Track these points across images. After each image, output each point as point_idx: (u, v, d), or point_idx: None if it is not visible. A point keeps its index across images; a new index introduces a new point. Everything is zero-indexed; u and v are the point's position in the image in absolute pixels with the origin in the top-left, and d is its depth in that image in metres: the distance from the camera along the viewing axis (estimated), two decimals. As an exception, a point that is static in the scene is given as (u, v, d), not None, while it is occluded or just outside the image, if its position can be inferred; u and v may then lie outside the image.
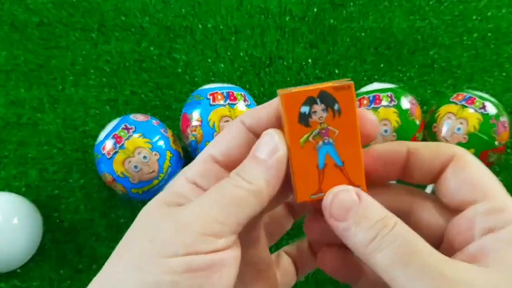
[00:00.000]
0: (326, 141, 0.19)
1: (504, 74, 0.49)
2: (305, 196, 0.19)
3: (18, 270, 0.41)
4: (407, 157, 0.20)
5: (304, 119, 0.18)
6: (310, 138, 0.19)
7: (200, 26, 0.50)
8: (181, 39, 0.50)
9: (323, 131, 0.18)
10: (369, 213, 0.18)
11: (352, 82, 0.18)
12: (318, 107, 0.18)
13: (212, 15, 0.51)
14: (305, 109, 0.18)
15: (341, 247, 0.20)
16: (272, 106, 0.20)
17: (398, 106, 0.40)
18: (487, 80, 0.49)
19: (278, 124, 0.19)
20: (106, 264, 0.18)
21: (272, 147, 0.18)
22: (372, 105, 0.41)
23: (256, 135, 0.19)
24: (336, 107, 0.18)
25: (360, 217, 0.18)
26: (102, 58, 0.49)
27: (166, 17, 0.51)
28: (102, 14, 0.50)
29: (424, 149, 0.20)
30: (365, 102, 0.41)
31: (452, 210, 0.19)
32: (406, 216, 0.20)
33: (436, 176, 0.20)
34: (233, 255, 0.18)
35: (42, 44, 0.49)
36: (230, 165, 0.19)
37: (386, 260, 0.17)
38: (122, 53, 0.49)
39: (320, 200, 0.19)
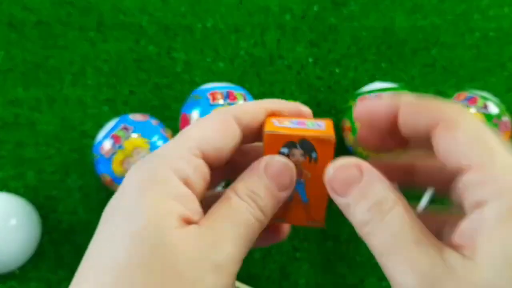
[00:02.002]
0: (297, 180, 0.20)
1: (506, 73, 0.49)
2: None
3: (16, 271, 0.41)
4: (395, 116, 0.19)
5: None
6: None
7: (199, 25, 0.50)
8: (180, 38, 0.49)
9: (297, 171, 0.20)
10: (369, 193, 0.18)
11: (333, 138, 0.19)
12: (297, 152, 0.20)
13: (211, 14, 0.50)
14: (284, 150, 0.20)
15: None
16: (266, 108, 0.20)
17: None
18: (489, 80, 0.49)
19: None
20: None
21: (289, 183, 0.19)
22: (374, 105, 0.40)
23: (247, 134, 0.20)
24: (314, 155, 0.20)
25: (360, 196, 0.18)
26: (101, 58, 0.48)
27: (165, 16, 0.50)
28: (100, 13, 0.50)
29: (411, 107, 0.19)
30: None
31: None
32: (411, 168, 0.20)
33: (425, 136, 0.19)
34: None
35: (40, 43, 0.49)
36: (215, 162, 0.19)
37: (378, 246, 0.17)
38: (121, 53, 0.49)
39: (279, 225, 0.22)
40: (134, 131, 0.38)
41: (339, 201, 0.18)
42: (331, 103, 0.47)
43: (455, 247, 0.16)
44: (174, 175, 0.17)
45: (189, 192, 0.18)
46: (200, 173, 0.18)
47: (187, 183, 0.18)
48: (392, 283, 0.17)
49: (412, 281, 0.16)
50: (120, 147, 0.38)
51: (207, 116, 0.20)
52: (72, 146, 0.45)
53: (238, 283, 0.39)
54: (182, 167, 0.18)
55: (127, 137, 0.38)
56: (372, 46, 0.50)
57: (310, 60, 0.49)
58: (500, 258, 0.15)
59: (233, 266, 0.17)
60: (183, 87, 0.48)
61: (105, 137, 0.39)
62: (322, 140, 0.19)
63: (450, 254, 0.16)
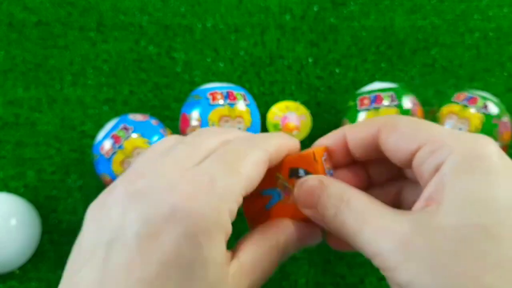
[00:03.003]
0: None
1: (506, 73, 0.49)
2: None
3: (16, 271, 0.41)
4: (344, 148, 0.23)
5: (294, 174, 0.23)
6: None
7: (199, 25, 0.50)
8: (180, 38, 0.50)
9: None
10: (330, 193, 0.20)
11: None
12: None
13: (211, 13, 0.50)
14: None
15: None
16: (290, 148, 0.23)
17: (399, 106, 0.40)
18: (489, 80, 0.49)
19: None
20: None
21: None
22: (374, 105, 0.40)
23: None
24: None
25: (325, 198, 0.20)
26: (101, 58, 0.49)
27: (165, 16, 0.50)
28: (100, 13, 0.50)
29: (353, 128, 0.23)
30: (366, 102, 0.41)
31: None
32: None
33: (375, 148, 0.22)
34: None
35: (40, 43, 0.49)
36: None
37: (350, 229, 0.19)
38: (121, 53, 0.49)
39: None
40: (134, 131, 0.39)
41: (309, 213, 0.21)
42: (331, 103, 0.47)
43: (424, 207, 0.18)
44: (229, 219, 0.19)
45: (231, 227, 0.20)
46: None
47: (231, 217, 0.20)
48: (371, 256, 0.18)
49: (386, 245, 0.17)
50: (120, 147, 0.38)
51: (246, 144, 0.21)
52: (72, 146, 0.45)
53: None
54: (234, 209, 0.19)
55: (127, 137, 0.38)
56: (372, 46, 0.50)
57: (310, 60, 0.49)
58: (460, 200, 0.17)
59: None
60: (183, 87, 0.48)
61: (105, 137, 0.39)
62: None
63: (417, 213, 0.18)
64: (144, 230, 0.17)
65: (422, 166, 0.19)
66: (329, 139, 0.23)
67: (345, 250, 0.23)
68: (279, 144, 0.22)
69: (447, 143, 0.18)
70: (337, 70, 0.49)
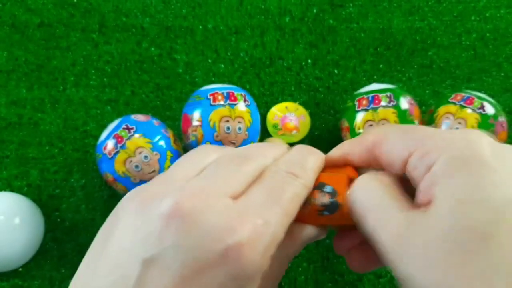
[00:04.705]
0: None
1: (502, 74, 0.49)
2: None
3: (20, 270, 0.41)
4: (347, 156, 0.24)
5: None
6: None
7: (200, 27, 0.51)
8: (181, 39, 0.50)
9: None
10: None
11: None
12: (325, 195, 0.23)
13: (212, 15, 0.51)
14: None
15: (364, 247, 0.24)
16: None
17: (397, 106, 0.41)
18: (486, 80, 0.49)
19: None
20: None
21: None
22: (372, 105, 0.41)
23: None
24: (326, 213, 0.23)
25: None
26: (103, 59, 0.49)
27: (167, 17, 0.51)
28: (102, 15, 0.51)
29: (352, 147, 0.23)
30: (364, 102, 0.41)
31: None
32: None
33: (373, 159, 0.22)
34: None
35: (42, 44, 0.49)
36: None
37: (357, 213, 0.21)
38: (123, 54, 0.49)
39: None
40: (136, 131, 0.39)
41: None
42: (330, 103, 0.48)
43: (419, 207, 0.18)
44: (270, 261, 0.19)
45: None
46: None
47: None
48: (373, 244, 0.19)
49: (386, 238, 0.18)
50: (122, 146, 0.38)
51: (295, 177, 0.21)
52: (75, 145, 0.46)
53: None
54: (273, 252, 0.19)
55: (130, 137, 0.39)
56: (370, 48, 0.50)
57: (309, 61, 0.50)
58: (452, 200, 0.17)
59: None
60: (184, 88, 0.48)
61: (108, 137, 0.39)
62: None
63: (413, 213, 0.18)
64: (190, 262, 0.17)
65: (414, 171, 0.19)
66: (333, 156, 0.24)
67: (364, 271, 0.24)
68: (316, 172, 0.23)
69: (437, 145, 0.18)
70: (336, 71, 0.49)
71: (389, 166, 0.21)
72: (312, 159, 0.23)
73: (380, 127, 0.22)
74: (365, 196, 0.20)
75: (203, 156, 0.22)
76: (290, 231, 0.20)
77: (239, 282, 0.17)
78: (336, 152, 0.24)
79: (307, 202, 0.22)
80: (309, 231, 0.22)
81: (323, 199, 0.22)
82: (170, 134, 0.41)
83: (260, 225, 0.18)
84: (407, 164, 0.20)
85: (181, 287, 0.16)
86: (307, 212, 0.22)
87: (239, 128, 0.40)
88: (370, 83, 0.44)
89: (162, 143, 0.39)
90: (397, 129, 0.21)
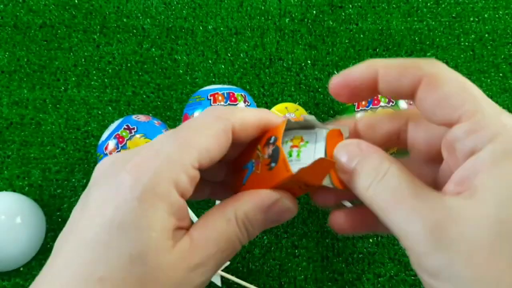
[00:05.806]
0: (250, 160, 0.22)
1: (500, 75, 0.50)
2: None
3: (21, 269, 0.41)
4: (375, 78, 0.20)
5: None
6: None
7: (200, 28, 0.51)
8: (182, 40, 0.50)
9: (255, 155, 0.22)
10: (367, 162, 0.19)
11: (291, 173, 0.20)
12: (268, 150, 0.21)
13: (212, 16, 0.51)
14: (269, 140, 0.21)
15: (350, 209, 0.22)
16: (261, 119, 0.21)
17: (395, 107, 0.41)
18: (484, 81, 0.49)
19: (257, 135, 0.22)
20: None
21: (282, 221, 0.21)
22: (371, 106, 0.41)
23: (235, 142, 0.20)
24: (273, 165, 0.20)
25: (360, 167, 0.19)
26: (104, 60, 0.49)
27: (168, 19, 0.51)
28: (104, 16, 0.51)
29: (390, 69, 0.19)
30: (363, 103, 0.42)
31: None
32: (404, 136, 0.20)
33: (409, 96, 0.19)
34: None
35: (44, 45, 0.50)
36: (206, 168, 0.20)
37: (382, 204, 0.18)
38: (124, 55, 0.49)
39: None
40: (137, 132, 0.39)
41: (346, 178, 0.20)
42: (329, 103, 0.48)
43: (453, 195, 0.17)
44: (174, 190, 0.18)
45: (184, 204, 0.19)
46: (194, 182, 0.19)
47: (183, 194, 0.18)
48: (399, 236, 0.17)
49: (416, 229, 0.16)
50: (123, 146, 0.39)
51: (207, 117, 0.20)
52: (76, 146, 0.46)
53: (222, 273, 0.40)
54: (182, 180, 0.18)
55: (131, 137, 0.39)
56: (369, 48, 0.50)
57: (309, 62, 0.50)
58: (501, 193, 0.15)
59: (206, 283, 0.19)
60: (185, 88, 0.48)
61: (109, 137, 0.39)
62: (287, 170, 0.20)
63: (450, 199, 0.16)
64: (98, 194, 0.18)
65: (456, 143, 0.17)
66: (357, 72, 0.20)
67: (329, 206, 0.22)
68: (246, 116, 0.21)
69: (491, 126, 0.16)
70: (335, 72, 0.49)
71: (426, 114, 0.18)
72: (246, 110, 0.21)
73: (435, 64, 0.19)
74: (392, 185, 0.18)
75: None
76: (222, 205, 0.20)
77: (132, 204, 0.18)
78: (365, 69, 0.20)
79: (259, 162, 0.21)
80: (249, 201, 0.20)
81: (268, 150, 0.21)
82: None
83: (152, 154, 0.19)
84: (450, 130, 0.17)
85: (83, 219, 0.19)
86: (260, 174, 0.21)
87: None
88: (369, 83, 0.45)
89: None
90: (456, 79, 0.18)
